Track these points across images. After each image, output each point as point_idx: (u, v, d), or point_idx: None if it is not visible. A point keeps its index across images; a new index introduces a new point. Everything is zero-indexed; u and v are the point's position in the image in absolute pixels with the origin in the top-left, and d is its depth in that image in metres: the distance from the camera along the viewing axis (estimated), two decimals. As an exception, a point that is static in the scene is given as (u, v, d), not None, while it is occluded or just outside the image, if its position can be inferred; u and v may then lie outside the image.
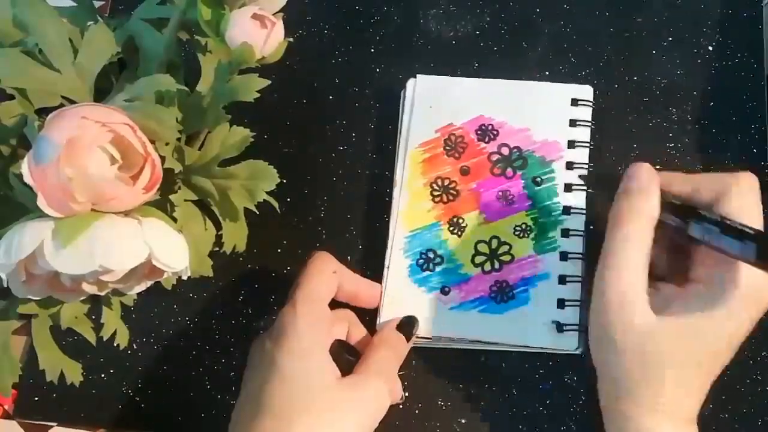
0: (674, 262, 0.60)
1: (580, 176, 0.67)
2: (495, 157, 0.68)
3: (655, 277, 0.58)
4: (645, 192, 0.56)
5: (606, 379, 0.57)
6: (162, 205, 0.57)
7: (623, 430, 0.54)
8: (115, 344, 0.62)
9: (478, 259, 0.66)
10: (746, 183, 0.55)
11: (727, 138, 0.69)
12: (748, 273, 0.52)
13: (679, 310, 0.54)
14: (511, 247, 0.66)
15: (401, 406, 0.64)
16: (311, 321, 0.57)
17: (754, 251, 0.50)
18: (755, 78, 0.70)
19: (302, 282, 0.59)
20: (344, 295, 0.63)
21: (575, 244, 0.66)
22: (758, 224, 0.54)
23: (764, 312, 0.54)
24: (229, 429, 0.57)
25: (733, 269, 0.53)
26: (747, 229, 0.52)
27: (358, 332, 0.64)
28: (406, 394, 0.65)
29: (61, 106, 0.53)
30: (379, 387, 0.58)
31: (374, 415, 0.57)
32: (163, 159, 0.54)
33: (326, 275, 0.61)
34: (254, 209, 0.59)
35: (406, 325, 0.63)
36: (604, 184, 0.62)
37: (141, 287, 0.58)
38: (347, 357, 0.60)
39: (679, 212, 0.56)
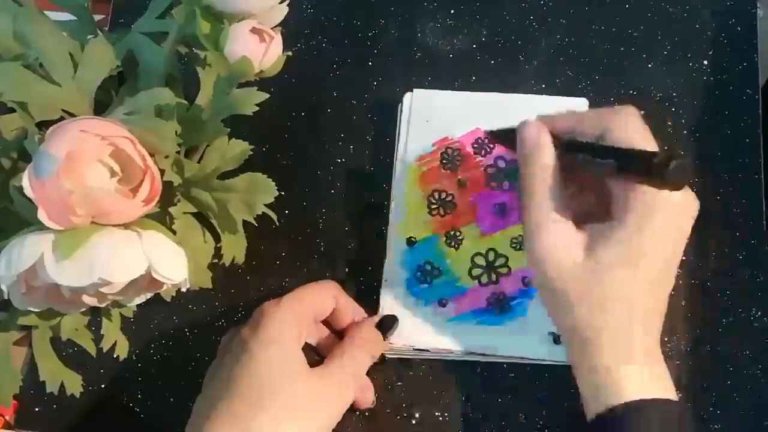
0: (599, 202, 0.59)
1: (485, 131, 0.69)
2: (491, 170, 0.68)
3: (586, 219, 0.58)
4: (536, 150, 0.56)
5: (566, 338, 0.56)
6: (161, 217, 0.57)
7: (590, 377, 0.54)
8: (114, 355, 0.63)
9: (475, 271, 0.66)
10: (626, 113, 0.56)
11: (722, 151, 0.69)
12: (642, 193, 0.52)
13: (604, 246, 0.53)
14: (507, 259, 0.66)
15: (398, 417, 0.65)
16: (291, 316, 0.59)
17: (615, 167, 0.51)
18: (749, 91, 0.70)
19: (296, 289, 0.61)
20: (339, 322, 0.65)
21: (572, 256, 0.66)
22: (648, 147, 0.54)
23: (684, 221, 0.54)
24: (194, 412, 0.58)
25: (631, 193, 0.53)
26: (616, 149, 0.53)
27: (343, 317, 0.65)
28: (404, 404, 0.65)
29: (62, 119, 0.53)
30: (346, 384, 0.59)
31: (335, 411, 0.58)
32: (162, 172, 0.54)
33: (322, 291, 0.62)
34: (253, 221, 0.60)
35: (386, 324, 0.64)
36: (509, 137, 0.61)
37: (141, 299, 0.58)
38: (315, 357, 0.62)
39: (574, 148, 0.56)
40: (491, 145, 0.69)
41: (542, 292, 0.56)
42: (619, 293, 0.53)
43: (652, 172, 0.48)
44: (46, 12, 0.58)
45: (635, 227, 0.52)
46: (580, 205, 0.59)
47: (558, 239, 0.54)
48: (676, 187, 0.48)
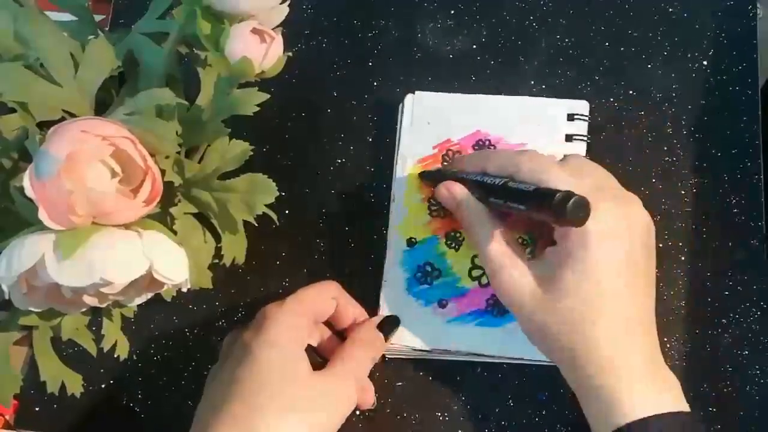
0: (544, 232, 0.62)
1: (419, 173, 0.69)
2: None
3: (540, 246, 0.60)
4: (458, 204, 0.61)
5: (557, 362, 0.58)
6: (162, 217, 0.57)
7: (591, 398, 0.54)
8: (115, 355, 0.63)
9: (475, 272, 0.66)
10: (529, 152, 0.59)
11: (722, 151, 0.69)
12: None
13: (556, 271, 0.55)
14: (507, 259, 0.66)
15: (398, 417, 0.65)
16: (293, 318, 0.59)
17: (523, 209, 0.53)
18: (749, 91, 0.70)
19: (297, 290, 0.61)
20: (341, 323, 0.65)
21: (572, 257, 0.66)
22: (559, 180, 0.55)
23: (630, 219, 0.56)
24: (196, 416, 0.58)
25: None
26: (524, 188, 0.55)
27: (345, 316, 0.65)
28: (404, 405, 0.65)
29: (62, 119, 0.53)
30: (349, 386, 0.59)
31: (339, 413, 0.58)
32: (163, 172, 0.54)
33: (322, 293, 0.62)
34: (253, 222, 0.59)
35: (387, 325, 0.64)
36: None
37: (141, 299, 0.58)
38: (317, 358, 0.62)
39: (484, 192, 0.60)
40: (492, 148, 0.69)
41: (520, 325, 0.58)
42: (589, 312, 0.54)
43: (552, 212, 0.49)
44: (46, 12, 0.58)
45: (580, 244, 0.54)
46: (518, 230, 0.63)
47: (514, 280, 0.57)
48: (578, 224, 0.50)
